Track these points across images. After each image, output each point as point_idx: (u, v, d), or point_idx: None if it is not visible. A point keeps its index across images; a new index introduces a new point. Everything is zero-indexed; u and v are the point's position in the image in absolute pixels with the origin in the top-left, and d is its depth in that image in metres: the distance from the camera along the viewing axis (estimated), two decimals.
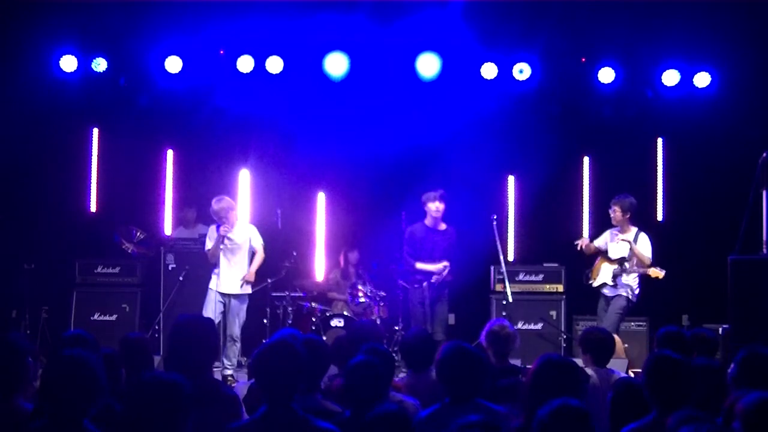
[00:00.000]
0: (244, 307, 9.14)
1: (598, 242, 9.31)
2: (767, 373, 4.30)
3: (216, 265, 9.05)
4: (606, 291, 9.10)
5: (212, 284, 9.07)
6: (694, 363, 4.54)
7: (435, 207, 9.09)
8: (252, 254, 9.19)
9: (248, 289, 9.17)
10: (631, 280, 9.00)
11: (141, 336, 5.37)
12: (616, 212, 9.04)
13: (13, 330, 9.43)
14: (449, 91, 10.51)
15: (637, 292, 9.02)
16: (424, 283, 9.10)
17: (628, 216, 9.04)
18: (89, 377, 3.61)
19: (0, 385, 4.06)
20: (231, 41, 10.38)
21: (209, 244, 9.09)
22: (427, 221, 9.22)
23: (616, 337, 8.82)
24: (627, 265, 8.98)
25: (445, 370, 4.38)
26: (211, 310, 8.86)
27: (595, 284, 9.19)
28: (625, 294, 8.97)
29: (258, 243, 9.20)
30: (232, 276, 9.04)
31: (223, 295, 9.02)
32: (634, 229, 9.07)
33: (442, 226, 9.23)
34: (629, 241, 8.92)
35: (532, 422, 3.35)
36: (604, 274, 9.14)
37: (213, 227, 9.11)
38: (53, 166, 10.60)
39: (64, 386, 3.58)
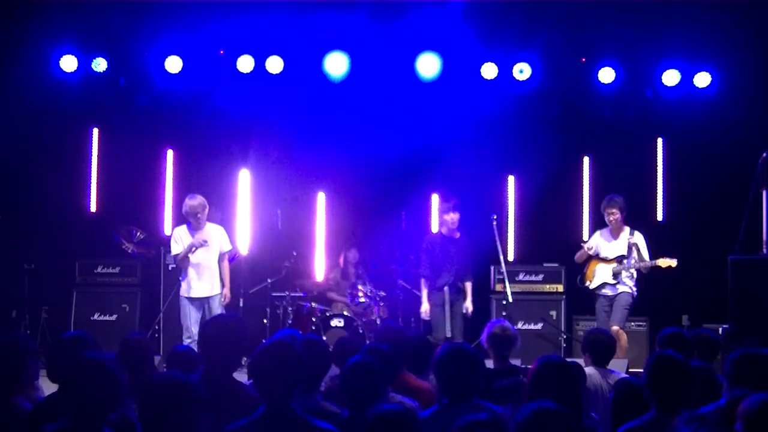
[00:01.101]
0: (222, 304, 8.86)
1: (590, 244, 9.28)
2: (760, 373, 4.31)
3: (184, 270, 8.78)
4: (606, 291, 9.07)
5: (183, 291, 8.77)
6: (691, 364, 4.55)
7: (450, 218, 9.20)
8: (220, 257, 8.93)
9: (219, 289, 8.88)
10: (630, 279, 9.01)
11: (141, 336, 5.37)
12: (616, 214, 9.00)
13: (14, 330, 9.42)
14: (449, 92, 10.51)
15: (635, 289, 9.04)
16: (445, 288, 9.16)
17: (624, 215, 9.06)
18: (113, 382, 3.58)
19: (2, 384, 4.07)
20: (231, 41, 10.38)
21: (178, 248, 8.75)
22: (443, 230, 9.29)
23: (622, 332, 8.84)
24: (626, 262, 8.98)
25: (442, 371, 4.38)
26: (189, 318, 8.64)
27: (593, 286, 9.16)
28: (628, 290, 8.99)
29: (228, 247, 8.98)
30: (204, 278, 8.76)
31: (199, 299, 8.73)
32: (627, 228, 9.09)
33: (456, 234, 9.30)
34: (636, 244, 8.93)
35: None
36: (601, 274, 9.11)
37: (182, 229, 8.82)
38: (53, 166, 10.59)
39: (88, 390, 3.54)
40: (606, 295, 9.09)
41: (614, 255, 9.07)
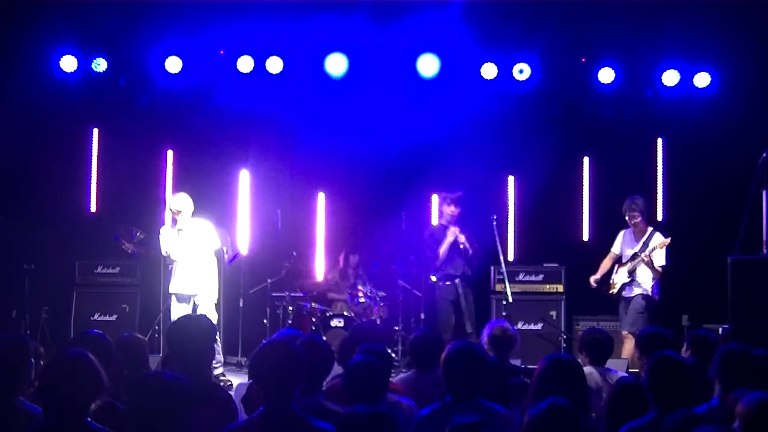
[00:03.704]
0: (213, 305, 8.84)
1: (615, 248, 9.16)
2: (745, 370, 4.32)
3: (172, 266, 8.79)
4: (625, 293, 8.98)
5: (170, 287, 8.78)
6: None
7: (450, 211, 9.27)
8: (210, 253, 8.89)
9: (209, 289, 8.85)
10: (648, 280, 8.88)
11: (134, 336, 5.37)
12: (636, 218, 8.92)
13: (14, 330, 9.42)
14: (449, 92, 10.52)
15: (652, 285, 8.85)
16: (456, 280, 9.19)
17: (646, 216, 8.99)
18: (88, 373, 3.63)
19: (3, 384, 4.07)
20: (231, 41, 10.39)
21: (168, 245, 8.72)
22: (442, 221, 9.33)
23: (630, 338, 8.73)
24: (641, 257, 8.85)
25: (450, 368, 4.37)
26: (173, 315, 8.56)
27: (615, 291, 9.06)
28: (641, 292, 8.86)
29: (216, 244, 8.88)
30: (193, 276, 8.72)
31: (185, 296, 8.71)
32: (649, 229, 9.02)
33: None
34: (646, 262, 8.83)
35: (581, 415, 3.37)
36: (620, 276, 9.04)
37: (167, 228, 8.82)
38: (53, 166, 10.60)
39: (64, 383, 3.60)
40: (624, 297, 8.99)
41: (630, 254, 9.00)
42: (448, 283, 9.26)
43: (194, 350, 4.33)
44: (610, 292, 9.10)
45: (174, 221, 8.81)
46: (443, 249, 9.25)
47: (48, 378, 3.68)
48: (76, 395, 3.61)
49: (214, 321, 8.65)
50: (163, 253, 8.90)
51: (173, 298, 8.79)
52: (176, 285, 8.78)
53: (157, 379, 3.52)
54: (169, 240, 8.77)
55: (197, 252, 8.78)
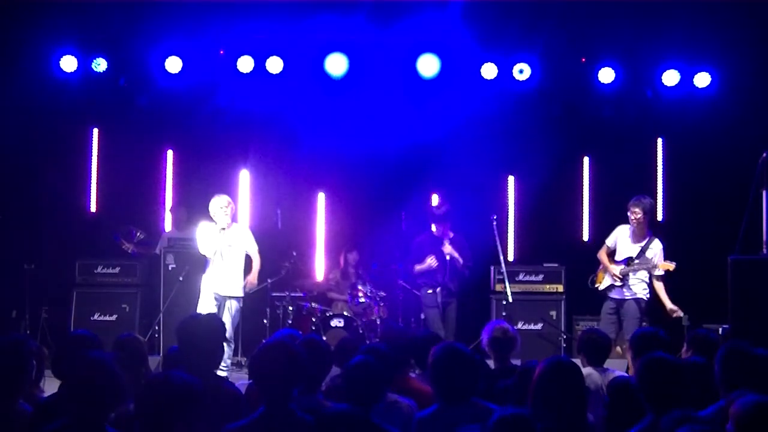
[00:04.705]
0: (239, 308, 8.82)
1: (609, 241, 8.92)
2: (747, 370, 4.32)
3: (208, 264, 8.75)
4: (614, 294, 8.79)
5: (205, 285, 8.73)
6: (686, 362, 4.55)
7: (435, 229, 9.23)
8: (246, 258, 8.87)
9: (241, 291, 8.83)
10: (640, 283, 8.73)
11: (133, 336, 5.37)
12: (637, 214, 8.61)
13: (14, 330, 9.42)
14: (449, 92, 10.52)
15: (647, 291, 8.73)
16: (437, 289, 9.17)
17: (648, 218, 8.73)
18: (114, 381, 3.59)
19: (3, 387, 4.06)
20: (231, 41, 10.40)
21: (206, 243, 8.65)
22: (432, 229, 9.30)
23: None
24: (634, 264, 8.70)
25: (437, 371, 4.36)
26: (207, 311, 8.43)
27: (602, 287, 8.89)
28: (635, 296, 8.71)
29: (254, 249, 8.89)
30: (228, 277, 8.69)
31: (218, 296, 8.69)
32: (648, 235, 8.77)
33: (449, 234, 9.28)
34: (644, 267, 8.74)
35: (536, 422, 3.36)
36: (610, 276, 8.84)
37: (208, 224, 8.70)
38: (53, 166, 10.60)
39: (90, 388, 3.55)
40: (613, 298, 8.80)
41: (624, 256, 8.78)
42: (429, 291, 9.25)
43: (203, 349, 4.34)
44: (595, 285, 8.93)
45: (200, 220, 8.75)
46: (419, 268, 9.26)
47: (73, 379, 3.63)
48: (98, 399, 3.56)
49: (237, 321, 8.79)
50: (201, 251, 8.76)
51: (206, 294, 8.67)
52: (214, 284, 8.67)
53: (165, 380, 3.52)
54: (208, 238, 8.66)
55: (235, 258, 8.74)
